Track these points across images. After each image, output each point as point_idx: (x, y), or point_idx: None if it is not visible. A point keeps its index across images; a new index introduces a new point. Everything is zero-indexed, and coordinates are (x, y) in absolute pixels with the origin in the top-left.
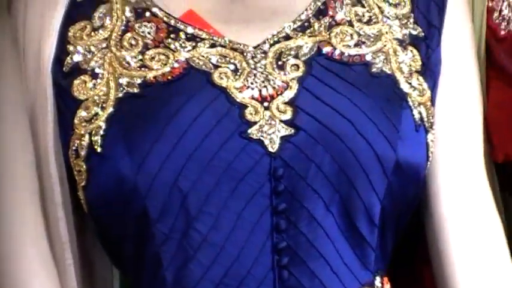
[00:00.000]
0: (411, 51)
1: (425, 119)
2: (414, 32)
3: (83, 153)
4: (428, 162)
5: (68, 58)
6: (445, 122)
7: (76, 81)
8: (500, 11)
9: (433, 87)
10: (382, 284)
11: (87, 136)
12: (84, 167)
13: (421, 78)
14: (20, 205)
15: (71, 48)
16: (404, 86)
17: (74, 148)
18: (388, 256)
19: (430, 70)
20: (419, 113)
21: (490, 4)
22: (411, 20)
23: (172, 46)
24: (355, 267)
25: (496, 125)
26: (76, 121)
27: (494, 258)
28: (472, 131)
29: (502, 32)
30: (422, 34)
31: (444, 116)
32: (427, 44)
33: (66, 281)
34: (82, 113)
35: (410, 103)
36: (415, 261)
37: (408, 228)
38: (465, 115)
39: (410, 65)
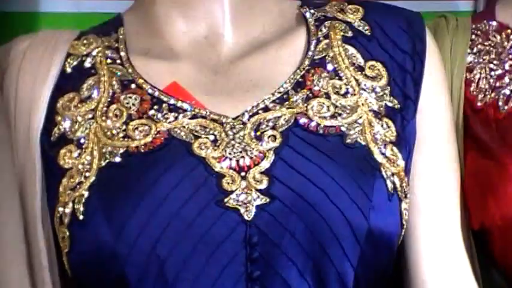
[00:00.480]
0: (386, 122)
1: (399, 189)
2: (390, 104)
3: (66, 220)
4: (403, 230)
5: (56, 128)
6: (423, 191)
7: (62, 151)
8: (478, 83)
9: (407, 158)
10: None
11: (70, 204)
12: (67, 233)
13: (395, 148)
14: (7, 267)
15: (58, 118)
16: (378, 157)
17: (58, 215)
18: None
19: (404, 141)
20: (393, 182)
21: (468, 76)
22: (387, 92)
23: (155, 117)
24: None
25: (471, 194)
26: (61, 189)
27: None
28: (450, 200)
29: (479, 104)
30: (398, 106)
31: (422, 185)
32: (402, 116)
33: None
34: (67, 182)
35: (384, 173)
36: None
37: None
38: (443, 184)
39: (385, 136)
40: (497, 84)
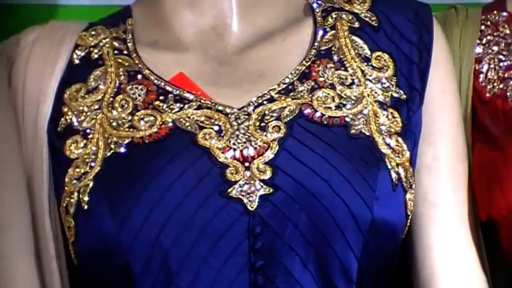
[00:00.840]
0: (392, 113)
1: (404, 179)
2: (396, 95)
3: (71, 210)
4: (408, 221)
5: (62, 119)
6: (430, 182)
7: (68, 141)
8: (486, 74)
9: (413, 149)
10: None
11: (76, 194)
12: (73, 223)
13: (400, 139)
14: (15, 257)
15: (65, 109)
16: (383, 148)
17: (64, 205)
18: None
19: (410, 132)
20: (397, 173)
21: (477, 67)
22: (393, 83)
23: (160, 108)
24: None
25: (479, 185)
26: (67, 179)
27: None
28: (457, 191)
29: (487, 95)
30: (404, 97)
31: (429, 176)
32: (408, 107)
33: None
34: (72, 172)
35: (388, 164)
36: None
37: None
38: (450, 175)
39: (390, 127)
40: (506, 75)
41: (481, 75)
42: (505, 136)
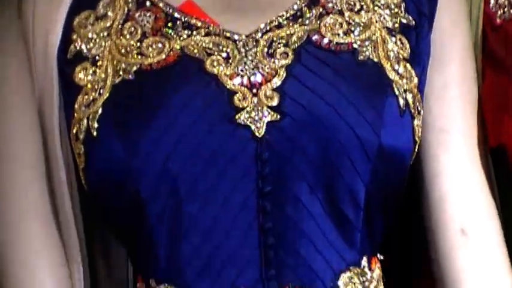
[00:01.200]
0: (400, 39)
1: (411, 105)
2: (404, 21)
3: (81, 136)
4: (416, 146)
5: (72, 46)
6: (439, 109)
7: (78, 68)
8: None
9: (421, 74)
10: (370, 264)
11: (85, 120)
12: (83, 149)
13: (408, 65)
14: (28, 182)
15: (74, 36)
16: (391, 74)
17: (74, 132)
18: (377, 238)
19: (418, 58)
20: (405, 99)
21: None
22: (402, 9)
23: (168, 35)
24: (340, 247)
25: (489, 111)
26: (76, 106)
27: (490, 242)
28: (467, 117)
29: (498, 20)
30: (413, 23)
31: (438, 103)
32: (417, 33)
33: (73, 257)
34: (82, 98)
35: (396, 90)
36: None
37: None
38: (459, 102)
39: (398, 53)
40: None
41: (492, 1)
42: None
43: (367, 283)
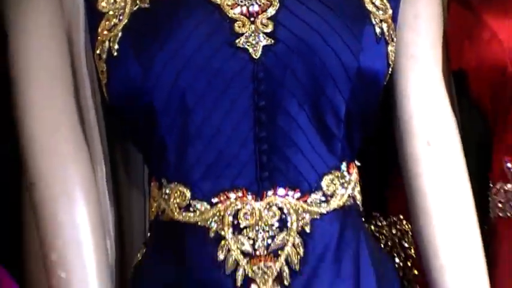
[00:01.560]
0: None
1: (386, 34)
2: None
3: (104, 56)
4: (389, 69)
5: None
6: (408, 37)
7: None
8: None
9: (395, 7)
10: (348, 168)
11: (107, 43)
12: (105, 68)
13: None
14: (58, 91)
15: None
16: (369, 6)
17: (98, 52)
18: (355, 147)
19: None
20: (381, 28)
21: None
22: None
23: None
24: (323, 154)
25: (452, 40)
26: (99, 30)
27: (451, 153)
28: (432, 43)
29: None
30: None
31: (408, 32)
32: None
33: (96, 160)
34: (104, 23)
35: (373, 20)
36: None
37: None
38: (426, 29)
39: None
40: None
41: None
42: (478, 2)
43: (345, 184)
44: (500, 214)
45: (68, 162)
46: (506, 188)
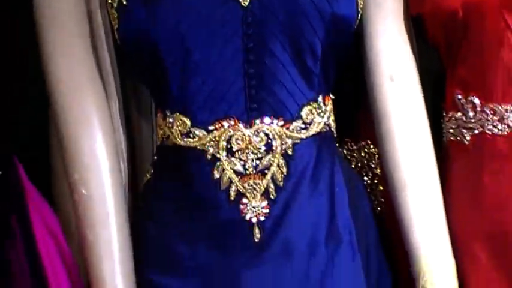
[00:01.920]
0: None
1: None
2: None
3: (115, 4)
4: (358, 15)
5: None
6: None
7: None
8: None
9: None
10: (324, 100)
11: None
12: (116, 14)
13: None
14: (76, 34)
15: None
16: None
17: (109, 1)
18: (330, 82)
19: None
20: None
21: None
22: None
23: None
24: (303, 88)
25: None
26: None
27: (412, 87)
28: None
29: None
30: None
31: None
32: None
33: (111, 94)
34: None
35: None
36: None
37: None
38: None
39: None
40: None
41: None
42: None
43: (322, 114)
44: (452, 138)
45: (86, 95)
46: (456, 116)
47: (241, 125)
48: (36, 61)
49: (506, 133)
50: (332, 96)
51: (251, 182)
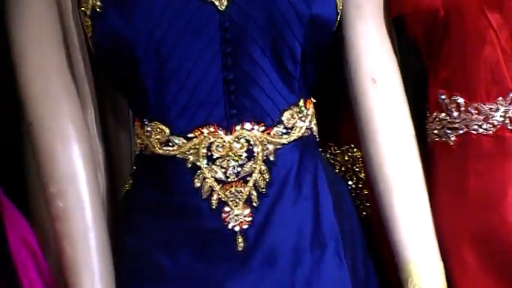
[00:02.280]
0: None
1: None
2: None
3: (88, 12)
4: (338, 17)
5: None
6: None
7: None
8: None
9: None
10: (305, 104)
11: (90, 0)
12: (89, 22)
13: None
14: (49, 42)
15: None
16: None
17: (82, 9)
18: (310, 86)
19: None
20: None
21: None
22: None
23: None
24: (283, 92)
25: None
26: None
27: (394, 89)
28: None
29: None
30: None
31: None
32: None
33: (86, 105)
34: None
35: None
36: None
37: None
38: None
39: None
40: None
41: None
42: None
43: (303, 118)
44: (436, 139)
45: (61, 104)
46: (440, 117)
47: (221, 132)
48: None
49: (491, 132)
50: (313, 100)
51: (233, 189)
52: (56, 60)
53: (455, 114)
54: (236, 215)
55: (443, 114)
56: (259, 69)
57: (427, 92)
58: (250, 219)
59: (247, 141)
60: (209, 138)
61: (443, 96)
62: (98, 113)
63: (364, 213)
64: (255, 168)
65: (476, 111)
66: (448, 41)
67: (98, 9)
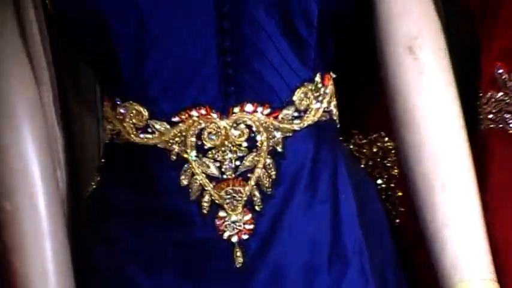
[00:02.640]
0: None
1: None
2: None
3: None
4: None
5: None
6: None
7: None
8: None
9: None
10: (323, 80)
11: None
12: None
13: None
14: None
15: None
16: None
17: None
18: (329, 56)
19: None
20: None
21: None
22: None
23: None
24: (295, 65)
25: None
26: None
27: (435, 60)
28: None
29: None
30: None
31: None
32: None
33: (42, 79)
34: None
35: None
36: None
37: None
38: None
39: None
40: None
41: None
42: None
43: (320, 98)
44: (492, 125)
45: (9, 83)
46: (497, 97)
47: (215, 115)
48: None
49: None
50: (333, 75)
51: (229, 189)
52: (3, 24)
53: None
54: (233, 222)
55: (500, 93)
56: (263, 34)
57: (479, 67)
58: (251, 227)
59: (248, 127)
60: (199, 123)
61: (500, 71)
62: (56, 92)
63: (398, 220)
64: (258, 161)
65: None
66: (509, 2)
67: None
